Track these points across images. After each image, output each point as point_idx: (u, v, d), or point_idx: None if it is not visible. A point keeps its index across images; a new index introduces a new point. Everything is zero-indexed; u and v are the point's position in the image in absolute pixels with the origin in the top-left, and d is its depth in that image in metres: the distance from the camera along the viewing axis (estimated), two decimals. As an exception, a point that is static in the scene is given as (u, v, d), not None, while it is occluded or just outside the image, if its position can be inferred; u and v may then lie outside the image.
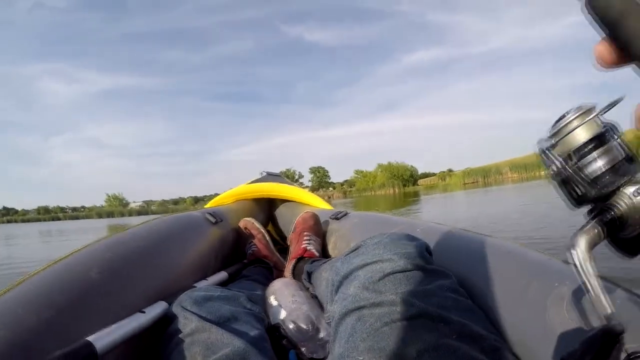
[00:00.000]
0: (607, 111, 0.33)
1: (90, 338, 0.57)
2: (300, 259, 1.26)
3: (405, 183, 52.30)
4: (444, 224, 1.04)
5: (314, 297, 0.99)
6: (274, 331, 0.81)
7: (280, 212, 2.03)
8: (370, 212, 1.54)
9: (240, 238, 1.49)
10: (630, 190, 0.33)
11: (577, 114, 0.34)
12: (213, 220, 1.38)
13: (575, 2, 0.25)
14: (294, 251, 1.32)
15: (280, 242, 1.96)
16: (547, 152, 0.36)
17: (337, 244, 1.35)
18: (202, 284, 0.94)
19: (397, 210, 9.96)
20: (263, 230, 1.50)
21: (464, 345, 0.52)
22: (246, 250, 1.43)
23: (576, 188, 0.34)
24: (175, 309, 0.72)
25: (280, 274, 1.30)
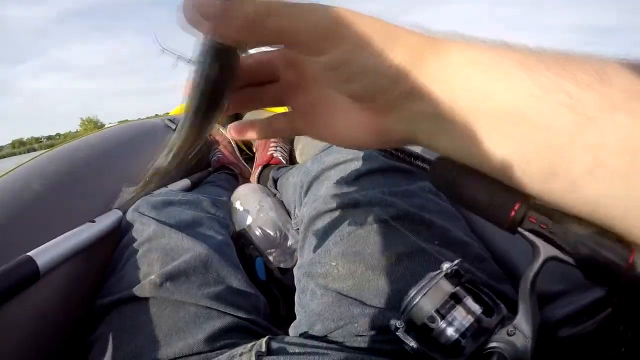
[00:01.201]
0: (452, 270, 0.34)
1: (30, 253, 0.51)
2: (265, 167, 1.21)
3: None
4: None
5: (282, 203, 0.96)
6: (240, 238, 0.78)
7: (247, 120, 1.94)
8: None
9: (204, 146, 1.42)
10: (503, 332, 0.31)
11: (419, 288, 0.34)
12: (174, 127, 1.28)
13: None
14: (259, 158, 1.26)
15: (247, 151, 1.90)
16: (401, 334, 0.34)
17: (304, 149, 1.29)
18: (162, 191, 0.88)
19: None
20: (229, 137, 1.42)
21: (448, 251, 0.48)
22: (210, 157, 1.37)
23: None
24: (131, 215, 0.67)
25: (246, 182, 1.25)
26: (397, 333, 0.35)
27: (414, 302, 0.34)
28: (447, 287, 0.34)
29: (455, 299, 0.34)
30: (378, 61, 0.23)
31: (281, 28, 0.23)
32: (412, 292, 0.35)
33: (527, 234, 0.28)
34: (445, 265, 0.35)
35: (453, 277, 0.35)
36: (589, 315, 0.39)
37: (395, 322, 0.35)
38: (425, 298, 0.34)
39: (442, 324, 0.33)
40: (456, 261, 0.35)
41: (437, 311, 0.33)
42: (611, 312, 0.37)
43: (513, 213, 0.28)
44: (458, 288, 0.34)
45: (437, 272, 0.35)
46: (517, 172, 0.22)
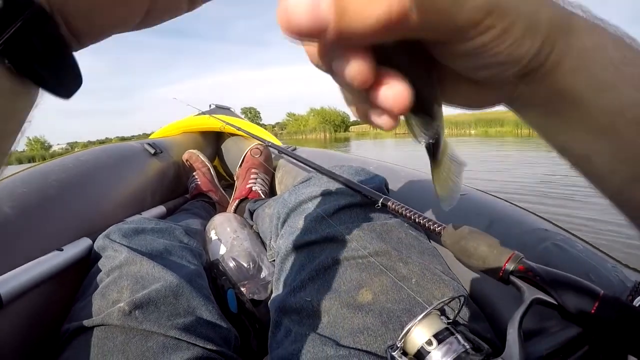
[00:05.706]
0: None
1: None
2: (243, 200, 1.21)
3: (337, 128, 52.27)
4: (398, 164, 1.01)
5: (257, 235, 0.95)
6: (212, 268, 0.77)
7: (228, 147, 1.94)
8: (319, 149, 1.49)
9: (183, 172, 1.41)
10: None
11: (418, 320, 0.38)
12: (152, 151, 1.27)
13: None
14: (238, 190, 1.26)
15: (227, 178, 1.89)
16: (395, 357, 0.38)
17: (283, 179, 1.30)
18: (134, 219, 0.87)
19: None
20: (208, 164, 1.42)
21: (426, 290, 0.49)
22: (188, 184, 1.36)
23: None
24: (102, 241, 0.65)
25: (224, 211, 1.24)
26: (393, 353, 0.37)
27: (411, 331, 0.38)
28: (441, 321, 0.38)
29: (448, 332, 0.37)
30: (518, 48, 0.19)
31: (430, 21, 0.17)
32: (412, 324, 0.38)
33: (515, 280, 0.34)
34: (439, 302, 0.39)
35: (444, 315, 0.39)
36: (566, 353, 0.40)
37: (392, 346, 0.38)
38: (420, 328, 0.38)
39: (437, 350, 0.36)
40: (446, 299, 0.40)
41: (435, 336, 0.37)
42: (588, 350, 0.38)
43: (505, 265, 0.35)
44: (449, 325, 0.38)
45: (431, 307, 0.39)
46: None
